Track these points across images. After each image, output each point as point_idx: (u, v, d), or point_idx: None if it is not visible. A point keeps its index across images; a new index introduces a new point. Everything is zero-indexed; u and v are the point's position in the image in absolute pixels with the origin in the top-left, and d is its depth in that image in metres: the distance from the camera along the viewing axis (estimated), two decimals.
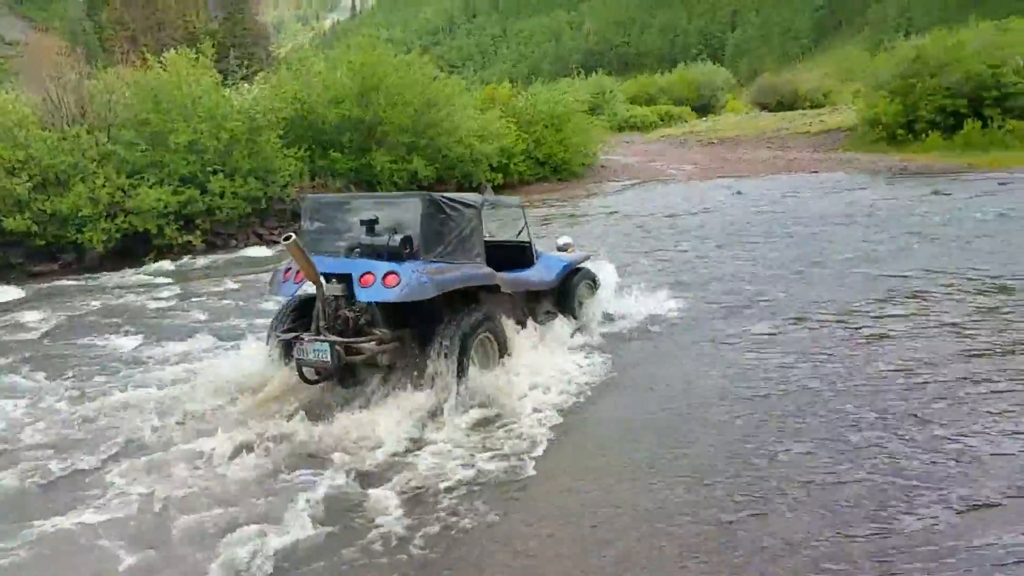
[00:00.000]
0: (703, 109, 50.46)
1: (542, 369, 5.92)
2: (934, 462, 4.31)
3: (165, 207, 13.30)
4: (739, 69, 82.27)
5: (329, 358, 5.12)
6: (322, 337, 5.20)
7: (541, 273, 6.90)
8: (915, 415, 4.95)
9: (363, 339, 5.28)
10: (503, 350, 5.83)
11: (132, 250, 13.12)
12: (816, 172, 22.06)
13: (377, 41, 20.86)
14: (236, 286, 10.58)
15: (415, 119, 18.45)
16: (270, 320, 6.13)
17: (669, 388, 5.74)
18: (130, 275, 11.99)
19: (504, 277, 6.04)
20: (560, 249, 7.56)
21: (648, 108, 47.29)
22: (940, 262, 9.63)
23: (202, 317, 8.71)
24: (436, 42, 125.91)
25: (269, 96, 16.64)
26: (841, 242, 11.43)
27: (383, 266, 5.14)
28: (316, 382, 5.53)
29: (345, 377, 5.55)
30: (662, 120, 44.97)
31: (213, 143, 14.25)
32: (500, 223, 8.02)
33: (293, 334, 5.44)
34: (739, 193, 18.45)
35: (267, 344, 5.82)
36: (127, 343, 7.58)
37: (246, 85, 17.19)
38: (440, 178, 19.06)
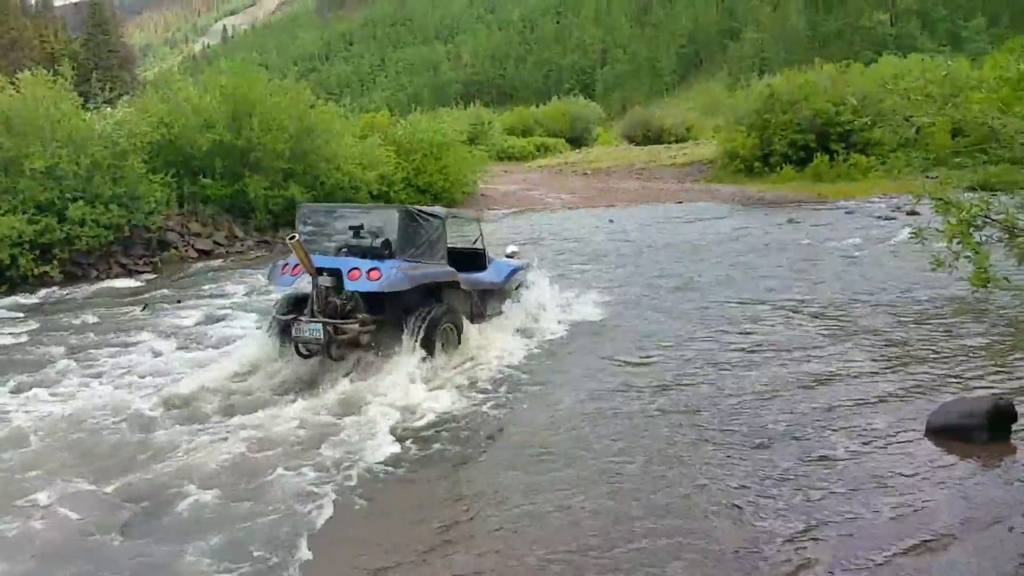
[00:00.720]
0: (576, 141, 52.14)
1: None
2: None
3: (19, 236, 12.42)
4: (609, 103, 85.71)
5: (321, 335, 6.36)
6: (316, 319, 6.38)
7: (492, 276, 8.24)
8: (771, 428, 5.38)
9: (349, 321, 6.41)
10: (459, 340, 7.02)
11: None
12: (681, 202, 23.31)
13: (250, 65, 20.36)
14: (97, 319, 10.01)
15: (291, 145, 18.09)
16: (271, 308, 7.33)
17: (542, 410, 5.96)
18: None
19: (463, 277, 7.28)
20: (508, 256, 8.90)
21: (525, 139, 48.36)
22: (789, 284, 10.45)
23: (59, 352, 8.22)
24: (312, 68, 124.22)
25: (134, 119, 15.91)
26: (705, 265, 12.16)
27: (367, 263, 6.34)
28: (308, 356, 6.78)
29: (332, 353, 6.58)
30: (538, 151, 46.12)
31: (73, 168, 13.48)
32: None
33: (292, 316, 6.64)
34: (611, 221, 19.22)
35: (267, 328, 7.02)
36: None
37: (109, 108, 16.34)
38: None
